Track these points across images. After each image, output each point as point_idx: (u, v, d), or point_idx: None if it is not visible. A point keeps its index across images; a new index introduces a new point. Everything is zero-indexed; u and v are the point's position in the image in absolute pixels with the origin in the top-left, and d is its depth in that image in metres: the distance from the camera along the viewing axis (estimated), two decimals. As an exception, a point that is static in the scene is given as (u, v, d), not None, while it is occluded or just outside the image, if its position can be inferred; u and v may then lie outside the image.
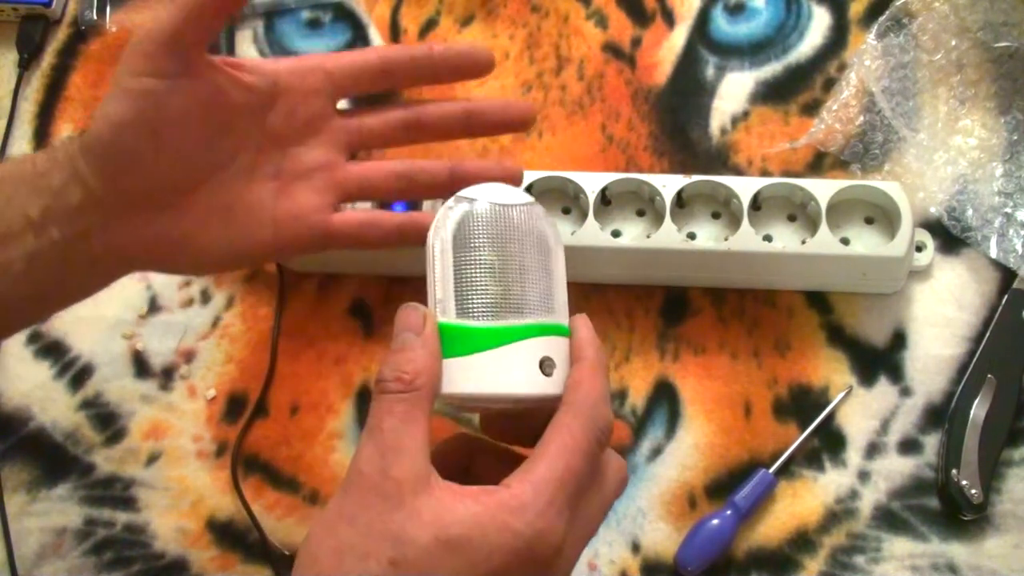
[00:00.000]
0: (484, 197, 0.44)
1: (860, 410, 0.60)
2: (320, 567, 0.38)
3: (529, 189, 0.62)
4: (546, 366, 0.43)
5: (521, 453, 0.44)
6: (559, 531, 0.39)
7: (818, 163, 0.66)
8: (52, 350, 0.65)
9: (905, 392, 0.60)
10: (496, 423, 0.47)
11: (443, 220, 0.44)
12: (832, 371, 0.61)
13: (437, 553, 0.37)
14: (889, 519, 0.58)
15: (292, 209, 0.52)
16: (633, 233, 0.62)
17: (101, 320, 0.65)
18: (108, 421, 0.63)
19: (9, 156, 0.70)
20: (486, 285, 0.42)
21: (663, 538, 0.59)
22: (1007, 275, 0.62)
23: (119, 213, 0.48)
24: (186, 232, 0.50)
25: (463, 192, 0.45)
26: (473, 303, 0.42)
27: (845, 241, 0.61)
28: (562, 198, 0.63)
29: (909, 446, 0.59)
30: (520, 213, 0.44)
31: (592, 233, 0.60)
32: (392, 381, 0.41)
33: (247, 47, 0.72)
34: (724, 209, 0.63)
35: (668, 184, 0.61)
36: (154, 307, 0.66)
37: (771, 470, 0.58)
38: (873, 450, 0.59)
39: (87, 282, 0.50)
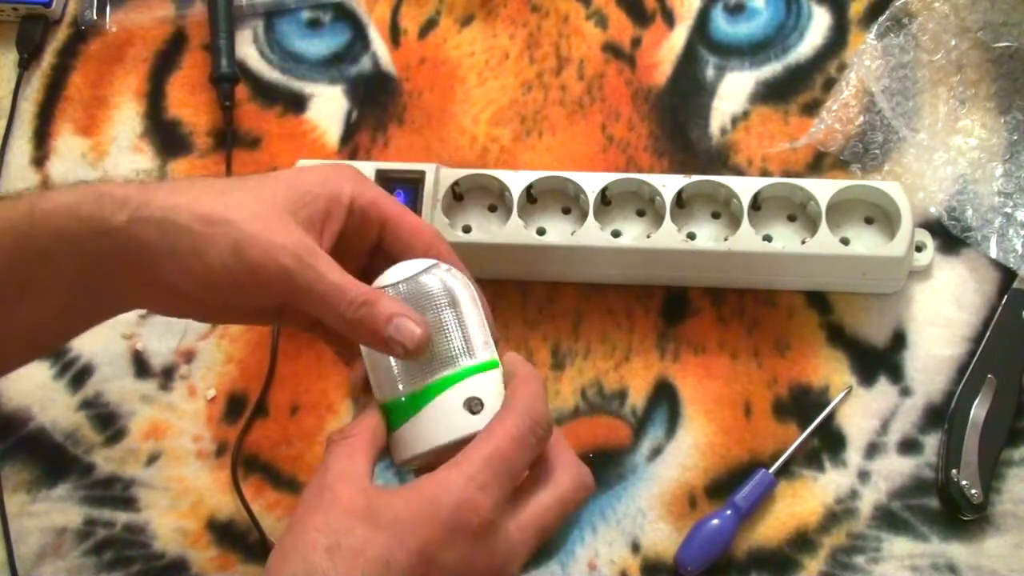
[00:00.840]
0: (392, 279, 0.46)
1: (860, 410, 0.60)
2: (267, 571, 0.40)
3: (529, 189, 0.62)
4: (473, 405, 0.45)
5: None
6: (483, 504, 0.41)
7: (818, 163, 0.66)
8: (52, 350, 0.65)
9: (905, 392, 0.60)
10: None
11: None
12: (832, 371, 0.61)
13: (369, 536, 0.40)
14: (889, 519, 0.58)
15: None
16: (633, 233, 0.62)
17: (101, 320, 0.65)
18: (108, 421, 0.63)
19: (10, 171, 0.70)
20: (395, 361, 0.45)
21: (663, 538, 0.59)
22: (1007, 275, 0.62)
23: (162, 301, 0.48)
24: (205, 315, 0.51)
25: (376, 284, 0.46)
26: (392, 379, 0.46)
27: (845, 241, 0.61)
28: (562, 198, 0.63)
29: (909, 446, 0.59)
30: (425, 280, 0.46)
31: (592, 233, 0.60)
32: (339, 433, 0.44)
33: (247, 47, 0.72)
34: (724, 209, 0.63)
35: (668, 184, 0.61)
36: (154, 307, 0.65)
37: (771, 470, 0.58)
38: (873, 450, 0.59)
39: (90, 324, 0.50)
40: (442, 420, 0.44)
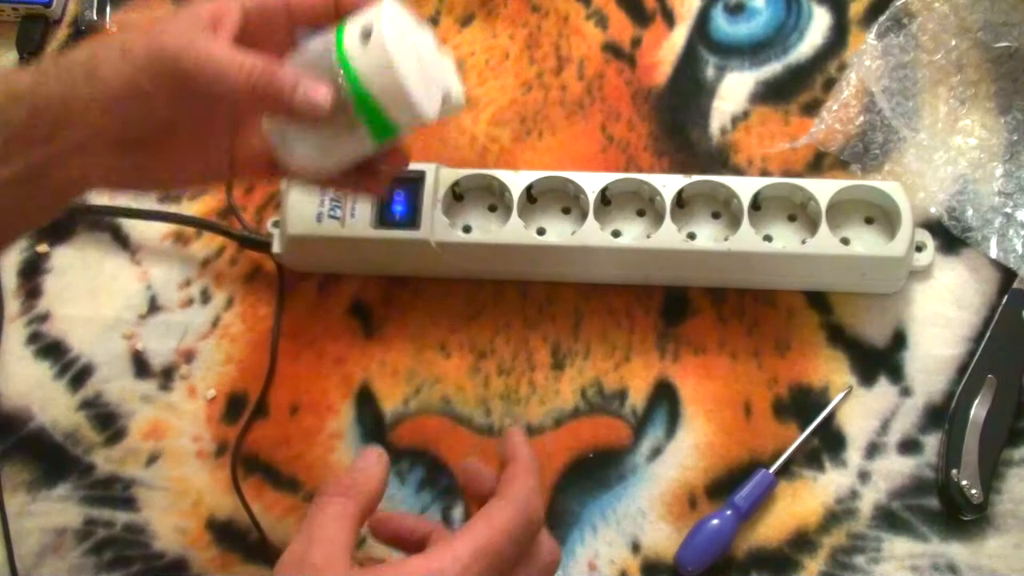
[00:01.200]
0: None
1: (860, 410, 0.60)
2: None
3: (529, 189, 0.62)
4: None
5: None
6: None
7: (818, 163, 0.66)
8: (52, 350, 0.65)
9: (905, 392, 0.60)
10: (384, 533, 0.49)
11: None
12: (832, 371, 0.61)
13: None
14: (889, 519, 0.58)
15: (249, 149, 0.52)
16: (633, 233, 0.62)
17: (101, 320, 0.65)
18: (108, 421, 0.63)
19: None
20: None
21: (663, 538, 0.59)
22: (1007, 275, 0.62)
23: (95, 151, 0.47)
24: (149, 166, 0.50)
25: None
26: None
27: (845, 241, 0.61)
28: (562, 198, 0.63)
29: (909, 446, 0.59)
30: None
31: (592, 233, 0.60)
32: (330, 486, 0.44)
33: (247, 47, 0.72)
34: (724, 209, 0.63)
35: (668, 184, 0.61)
36: (154, 307, 0.66)
37: (771, 470, 0.58)
38: (873, 450, 0.59)
39: (43, 210, 0.49)
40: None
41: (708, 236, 0.62)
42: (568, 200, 0.63)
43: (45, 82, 0.45)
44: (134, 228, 0.68)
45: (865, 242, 0.61)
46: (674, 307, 0.63)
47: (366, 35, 0.45)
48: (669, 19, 0.71)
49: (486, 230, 0.63)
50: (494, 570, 0.42)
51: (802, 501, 0.59)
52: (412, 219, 0.61)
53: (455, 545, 0.41)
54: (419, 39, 0.48)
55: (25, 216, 0.49)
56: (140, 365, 0.64)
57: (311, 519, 0.43)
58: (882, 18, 0.68)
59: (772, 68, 0.69)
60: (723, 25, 0.70)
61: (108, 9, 0.74)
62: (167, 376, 0.64)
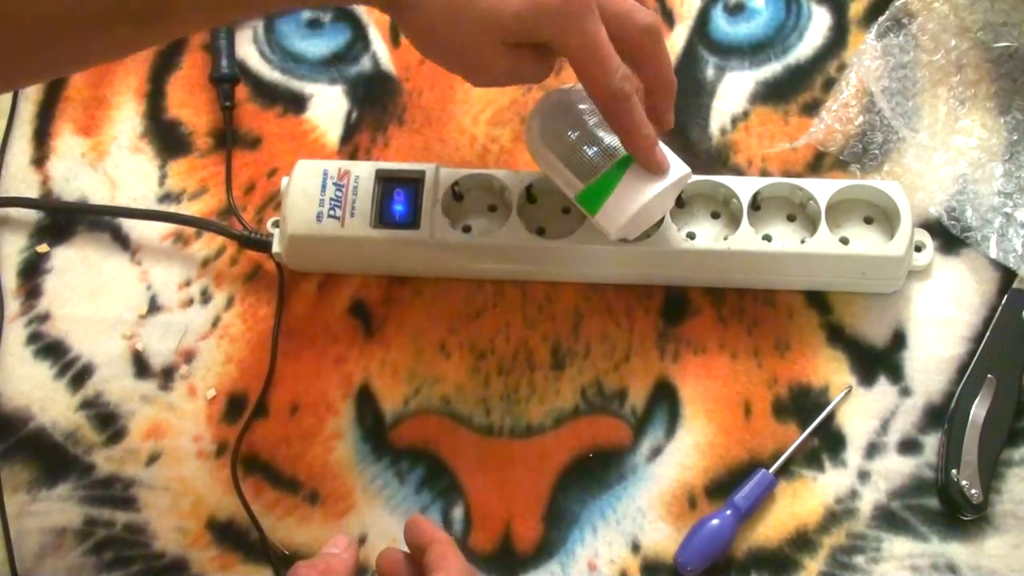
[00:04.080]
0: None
1: (860, 410, 0.60)
2: None
3: (529, 189, 0.62)
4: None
5: None
6: None
7: (818, 163, 0.66)
8: (52, 350, 0.65)
9: (905, 392, 0.60)
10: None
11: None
12: (832, 371, 0.61)
13: None
14: (889, 519, 0.58)
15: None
16: (633, 233, 0.62)
17: (101, 320, 0.65)
18: (108, 421, 0.63)
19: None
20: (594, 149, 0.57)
21: (663, 538, 0.59)
22: (1007, 275, 0.62)
23: None
24: None
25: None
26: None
27: (844, 241, 0.61)
28: (562, 198, 0.63)
29: (909, 446, 0.59)
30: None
31: (592, 233, 0.60)
32: (303, 568, 0.50)
33: (247, 47, 0.72)
34: (724, 209, 0.63)
35: (668, 184, 0.61)
36: (154, 307, 0.66)
37: (771, 470, 0.58)
38: (873, 450, 0.59)
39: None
40: (636, 183, 0.55)
41: (708, 236, 0.62)
42: (568, 200, 0.63)
43: None
44: (134, 228, 0.68)
45: (864, 242, 0.61)
46: (674, 307, 0.63)
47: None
48: (669, 19, 0.71)
49: (486, 230, 0.63)
50: None
51: (802, 501, 0.59)
52: (412, 219, 0.61)
53: None
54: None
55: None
56: (140, 365, 0.64)
57: None
58: (882, 18, 0.68)
59: (772, 68, 0.69)
60: (723, 25, 0.70)
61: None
62: (167, 376, 0.64)
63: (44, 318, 0.66)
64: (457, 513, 0.60)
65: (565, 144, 0.57)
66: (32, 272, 0.67)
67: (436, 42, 0.52)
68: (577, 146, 0.56)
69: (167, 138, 0.70)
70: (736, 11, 0.71)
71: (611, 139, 0.56)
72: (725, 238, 0.60)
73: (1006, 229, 0.62)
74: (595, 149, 0.56)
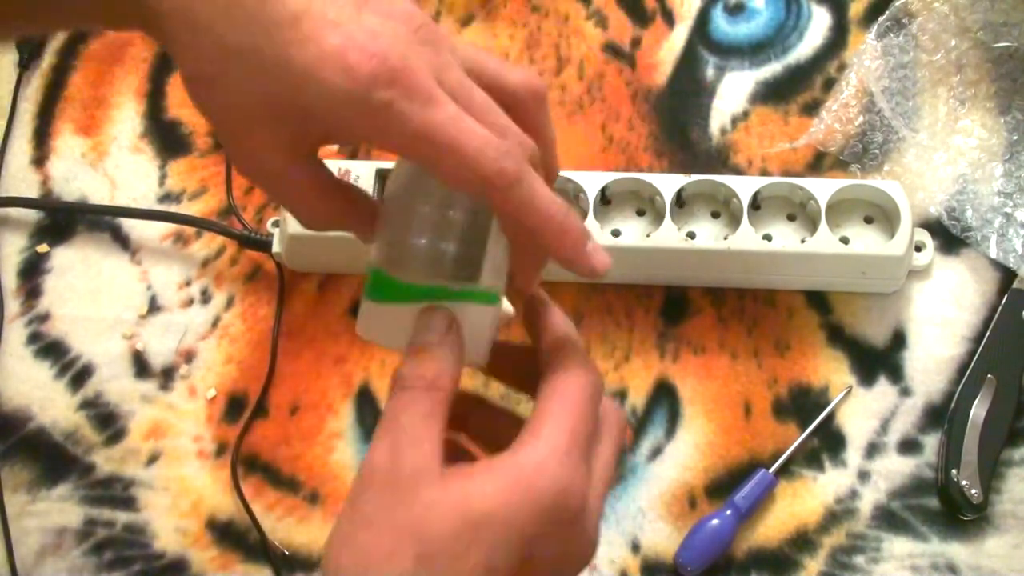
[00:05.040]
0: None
1: (860, 410, 0.60)
2: (335, 568, 0.36)
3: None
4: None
5: (515, 413, 0.43)
6: (581, 484, 0.37)
7: (818, 163, 0.66)
8: (52, 350, 0.65)
9: (905, 392, 0.60)
10: (500, 368, 0.44)
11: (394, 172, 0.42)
12: (832, 371, 0.61)
13: (465, 538, 0.35)
14: (889, 519, 0.58)
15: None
16: (633, 233, 0.62)
17: (101, 320, 0.65)
18: (108, 421, 0.63)
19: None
20: (421, 240, 0.40)
21: (663, 538, 0.59)
22: (1007, 275, 0.62)
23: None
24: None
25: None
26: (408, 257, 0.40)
27: (845, 240, 0.61)
28: (561, 198, 0.63)
29: (909, 446, 0.59)
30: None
31: (592, 233, 0.60)
32: (414, 378, 0.38)
33: (247, 47, 0.72)
34: (724, 209, 0.63)
35: (668, 184, 0.61)
36: (154, 307, 0.66)
37: (771, 470, 0.58)
38: (873, 450, 0.59)
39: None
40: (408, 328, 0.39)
41: (708, 236, 0.62)
42: (568, 200, 0.63)
43: None
44: (134, 228, 0.68)
45: (865, 241, 0.61)
46: (674, 307, 0.63)
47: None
48: (669, 19, 0.71)
49: (486, 230, 0.63)
50: (586, 449, 0.38)
51: (802, 501, 0.59)
52: (412, 219, 0.61)
53: (543, 432, 0.37)
54: None
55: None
56: (140, 365, 0.64)
57: (394, 419, 0.37)
58: (882, 18, 0.68)
59: (772, 68, 0.69)
60: (723, 25, 0.70)
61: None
62: (167, 376, 0.64)
63: (44, 318, 0.66)
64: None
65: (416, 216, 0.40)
66: (32, 272, 0.67)
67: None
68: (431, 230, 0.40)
69: (167, 138, 0.70)
70: (736, 11, 0.71)
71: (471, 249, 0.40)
72: (725, 238, 0.60)
73: (1006, 229, 0.62)
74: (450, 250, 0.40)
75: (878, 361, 0.61)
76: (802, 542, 0.58)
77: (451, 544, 0.34)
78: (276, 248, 0.63)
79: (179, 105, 0.71)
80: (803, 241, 0.61)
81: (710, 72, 0.69)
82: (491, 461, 0.37)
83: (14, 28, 0.45)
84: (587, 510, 0.37)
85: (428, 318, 0.40)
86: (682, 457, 0.60)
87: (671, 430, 0.61)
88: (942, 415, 0.59)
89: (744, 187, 0.61)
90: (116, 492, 0.61)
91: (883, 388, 0.61)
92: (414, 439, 0.37)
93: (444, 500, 0.35)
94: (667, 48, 0.70)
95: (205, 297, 0.66)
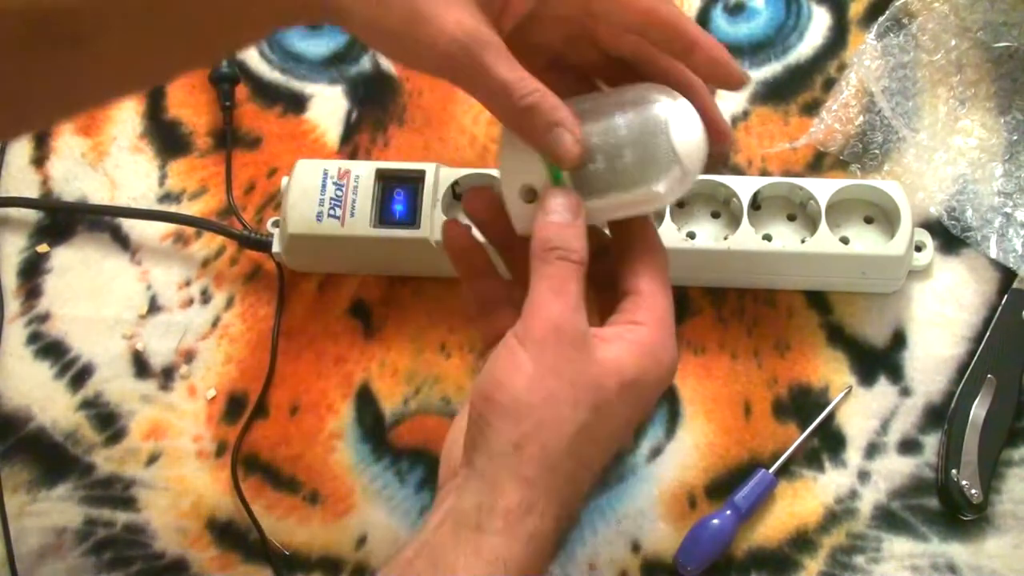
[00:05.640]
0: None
1: (860, 410, 0.60)
2: (537, 415, 0.41)
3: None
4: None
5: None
6: (677, 359, 0.45)
7: (818, 163, 0.66)
8: (52, 350, 0.65)
9: (905, 392, 0.60)
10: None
11: None
12: (832, 371, 0.61)
13: (622, 395, 0.43)
14: (889, 519, 0.58)
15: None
16: (633, 233, 0.62)
17: (101, 320, 0.65)
18: (108, 421, 0.63)
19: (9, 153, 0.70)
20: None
21: (663, 538, 0.59)
22: (1007, 275, 0.62)
23: None
24: None
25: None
26: None
27: (845, 240, 0.61)
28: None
29: (909, 446, 0.59)
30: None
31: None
32: (572, 252, 0.44)
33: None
34: (724, 209, 0.63)
35: (668, 184, 0.61)
36: (154, 307, 0.66)
37: (771, 470, 0.58)
38: (873, 450, 0.59)
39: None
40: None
41: (708, 236, 0.62)
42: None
43: None
44: (134, 228, 0.68)
45: (865, 241, 0.61)
46: (674, 307, 0.63)
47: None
48: (669, 19, 0.71)
49: (486, 230, 0.63)
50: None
51: (802, 501, 0.59)
52: (412, 218, 0.61)
53: (655, 312, 0.45)
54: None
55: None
56: (140, 365, 0.64)
57: (564, 284, 0.43)
58: (882, 18, 0.68)
59: (772, 68, 0.69)
60: (723, 25, 0.70)
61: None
62: (167, 376, 0.64)
63: (44, 318, 0.66)
64: (457, 513, 0.60)
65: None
66: (32, 272, 0.67)
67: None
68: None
69: (167, 138, 0.70)
70: (736, 11, 0.71)
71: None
72: (725, 238, 0.60)
73: (1006, 229, 0.62)
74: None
75: (878, 361, 0.61)
76: (802, 542, 0.58)
77: (614, 401, 0.43)
78: (276, 248, 0.63)
79: (179, 105, 0.71)
80: (803, 241, 0.61)
81: (710, 72, 0.69)
82: (625, 330, 0.44)
83: (221, 47, 0.49)
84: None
85: (563, 197, 0.45)
86: (682, 457, 0.60)
87: (671, 430, 0.61)
88: (942, 415, 0.59)
89: (744, 187, 0.61)
90: (116, 492, 0.61)
91: (883, 388, 0.61)
92: (580, 305, 0.43)
93: (607, 362, 0.43)
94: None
95: (205, 297, 0.66)
